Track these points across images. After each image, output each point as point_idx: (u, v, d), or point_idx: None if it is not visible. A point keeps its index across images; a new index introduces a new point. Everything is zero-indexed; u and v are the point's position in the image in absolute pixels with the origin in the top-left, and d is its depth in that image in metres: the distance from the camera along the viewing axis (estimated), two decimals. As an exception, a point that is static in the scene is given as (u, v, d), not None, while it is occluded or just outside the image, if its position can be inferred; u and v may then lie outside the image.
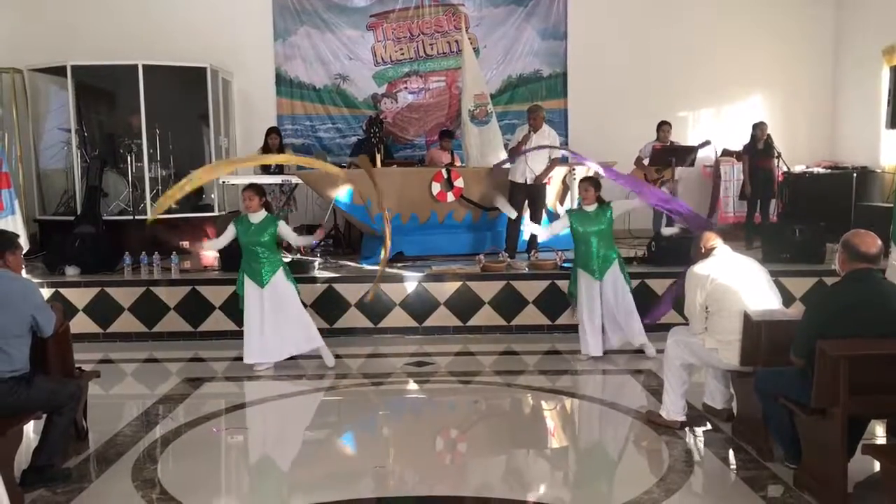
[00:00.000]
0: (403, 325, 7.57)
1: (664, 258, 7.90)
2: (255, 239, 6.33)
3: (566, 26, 11.53)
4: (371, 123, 10.39)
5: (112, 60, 10.08)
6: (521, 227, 8.33)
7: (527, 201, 8.37)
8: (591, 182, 6.59)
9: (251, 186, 6.48)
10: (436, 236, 8.96)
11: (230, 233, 6.46)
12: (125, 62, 9.95)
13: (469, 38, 10.85)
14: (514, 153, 8.36)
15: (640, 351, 6.69)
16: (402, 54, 11.62)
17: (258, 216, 6.39)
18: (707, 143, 9.61)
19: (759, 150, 9.37)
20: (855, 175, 10.27)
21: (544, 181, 8.42)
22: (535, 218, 8.37)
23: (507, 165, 8.47)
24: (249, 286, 6.37)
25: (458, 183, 8.76)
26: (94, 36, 10.67)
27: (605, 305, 6.53)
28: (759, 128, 9.37)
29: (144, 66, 9.85)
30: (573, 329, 7.34)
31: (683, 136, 10.76)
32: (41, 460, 4.16)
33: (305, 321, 6.50)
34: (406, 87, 11.69)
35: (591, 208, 6.53)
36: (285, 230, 6.50)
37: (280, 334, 6.38)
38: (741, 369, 4.58)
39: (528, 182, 8.30)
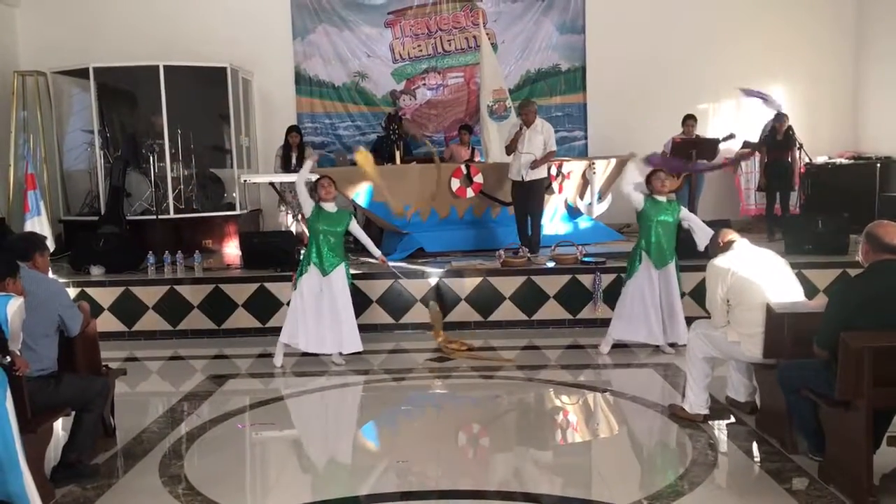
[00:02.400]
0: (425, 321, 7.59)
1: (685, 251, 7.81)
2: (332, 228, 6.40)
3: (584, 20, 11.49)
4: (390, 121, 10.43)
5: (133, 62, 10.18)
6: (541, 223, 8.32)
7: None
8: (668, 174, 6.54)
9: (328, 175, 6.57)
10: (456, 232, 8.98)
11: (309, 202, 6.47)
12: (146, 63, 10.04)
13: (487, 34, 10.86)
14: (510, 150, 8.31)
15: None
16: (420, 51, 11.63)
17: (333, 206, 6.47)
18: (731, 136, 9.54)
19: (777, 142, 9.28)
20: (878, 165, 10.16)
21: (540, 175, 8.31)
22: (533, 215, 8.34)
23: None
24: (312, 272, 6.42)
25: (478, 178, 8.77)
26: (115, 38, 10.78)
27: (661, 298, 6.46)
28: (778, 120, 9.29)
29: (165, 67, 9.93)
30: (595, 323, 7.36)
31: (704, 128, 10.68)
32: (70, 457, 4.23)
33: (353, 323, 6.55)
34: (424, 84, 11.71)
35: (663, 199, 6.48)
36: (356, 227, 6.64)
37: (325, 327, 6.44)
38: (764, 362, 4.56)
39: (525, 179, 8.24)
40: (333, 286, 6.43)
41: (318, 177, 6.63)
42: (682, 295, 6.69)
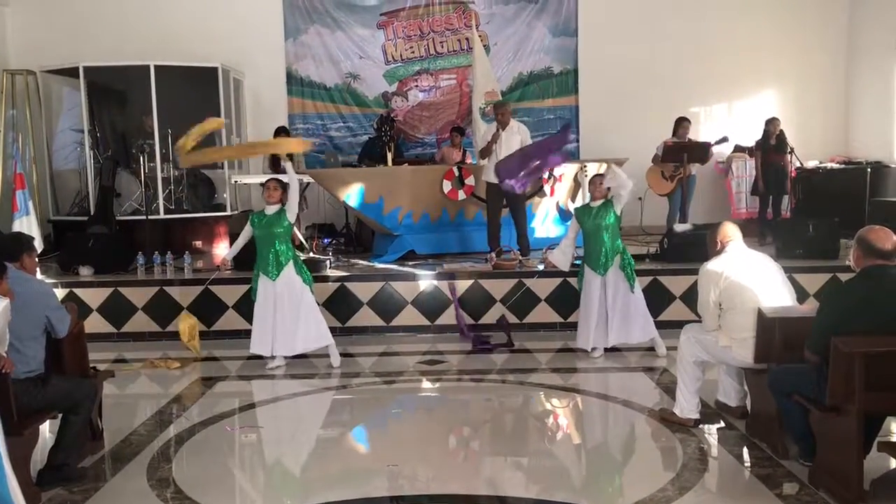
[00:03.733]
0: (415, 324, 7.57)
1: (677, 255, 7.86)
2: (270, 231, 6.37)
3: (577, 23, 11.49)
4: (382, 122, 10.41)
5: (124, 61, 10.13)
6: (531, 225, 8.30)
7: (504, 201, 8.22)
8: (602, 178, 6.57)
9: (276, 179, 6.52)
10: (447, 234, 8.96)
11: (247, 230, 6.53)
12: (137, 63, 9.98)
13: (479, 36, 10.86)
14: (485, 153, 8.20)
15: (652, 348, 6.66)
16: (413, 52, 11.61)
17: (274, 208, 6.43)
18: (724, 139, 9.58)
19: (771, 146, 9.31)
20: (869, 170, 10.18)
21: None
22: (516, 217, 8.29)
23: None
24: (262, 280, 6.42)
25: (470, 181, 8.75)
26: (106, 37, 10.72)
27: (607, 302, 6.49)
28: (771, 123, 9.32)
29: (156, 67, 9.87)
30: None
31: (696, 131, 10.69)
32: (57, 460, 4.19)
33: (316, 318, 6.52)
34: (417, 86, 11.69)
35: (597, 204, 6.52)
36: (291, 207, 6.46)
37: (290, 329, 6.40)
38: (755, 366, 4.55)
39: None
40: (288, 287, 6.39)
41: (308, 180, 6.60)
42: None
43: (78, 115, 10.25)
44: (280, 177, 8.24)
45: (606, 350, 6.63)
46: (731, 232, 4.76)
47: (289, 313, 6.40)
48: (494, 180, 8.10)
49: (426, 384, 6.26)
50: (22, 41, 10.93)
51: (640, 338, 6.55)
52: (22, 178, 8.05)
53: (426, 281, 7.63)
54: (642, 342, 6.60)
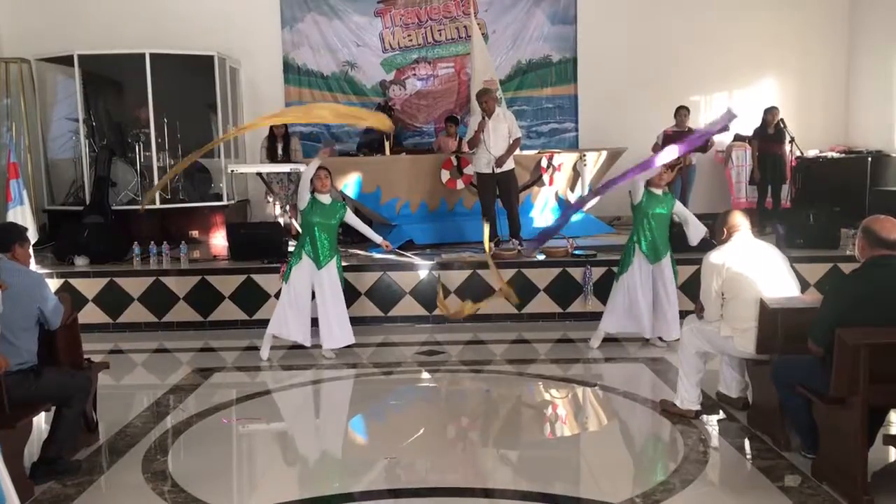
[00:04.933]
0: (414, 314, 7.52)
1: (677, 244, 7.77)
2: (327, 221, 6.33)
3: (576, 11, 11.40)
4: (380, 110, 10.33)
5: (119, 49, 10.02)
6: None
7: (497, 190, 8.13)
8: (668, 166, 6.45)
9: (325, 168, 6.45)
10: (445, 224, 8.90)
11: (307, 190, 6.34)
12: (132, 51, 9.88)
13: (478, 24, 10.76)
14: (473, 143, 8.08)
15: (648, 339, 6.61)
16: (411, 41, 11.52)
17: (328, 198, 6.39)
18: (725, 128, 9.48)
19: (768, 135, 9.26)
20: (870, 159, 10.15)
21: (504, 165, 8.00)
22: (509, 205, 8.16)
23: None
24: (305, 264, 6.35)
25: (468, 170, 8.69)
26: (100, 25, 10.62)
27: (658, 293, 6.40)
28: (769, 112, 9.27)
29: (152, 55, 9.78)
30: (585, 317, 7.32)
31: (696, 120, 10.63)
32: (51, 452, 4.14)
33: (345, 317, 6.48)
34: (415, 74, 11.60)
35: (660, 191, 6.40)
36: (352, 218, 6.55)
37: (332, 322, 6.37)
38: (757, 357, 4.51)
39: (495, 171, 8.00)
40: (325, 280, 6.36)
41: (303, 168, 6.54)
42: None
43: (73, 103, 10.16)
44: (268, 169, 8.20)
45: (605, 340, 6.58)
46: (739, 221, 4.69)
47: (322, 304, 6.37)
48: (486, 170, 8.02)
49: (424, 375, 6.22)
50: (16, 29, 10.82)
51: (677, 335, 6.42)
52: (16, 167, 7.98)
53: (424, 271, 7.57)
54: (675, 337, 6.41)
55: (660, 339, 6.55)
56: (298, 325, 6.38)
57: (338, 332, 6.42)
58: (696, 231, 6.28)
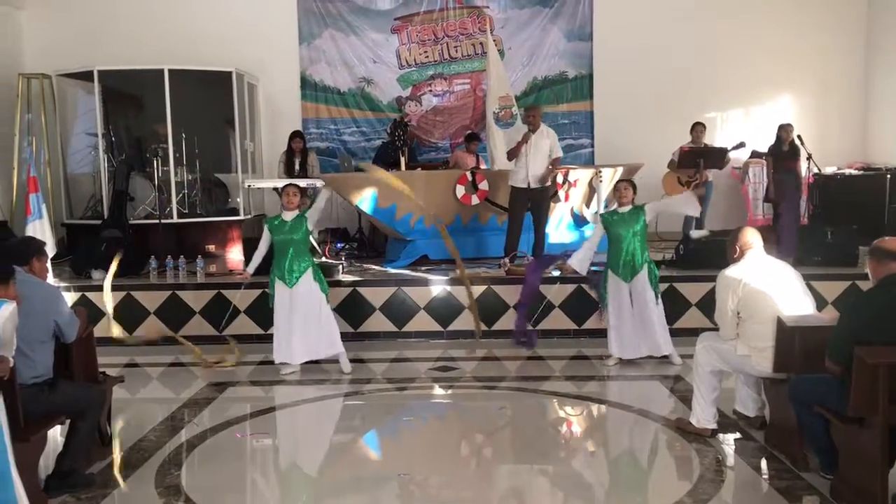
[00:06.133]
0: (428, 329, 7.51)
1: (693, 261, 7.75)
2: (289, 237, 6.34)
3: (592, 27, 11.43)
4: (395, 127, 10.37)
5: (138, 65, 10.12)
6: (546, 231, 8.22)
7: (529, 206, 8.16)
8: (630, 183, 6.49)
9: (294, 184, 6.50)
10: (460, 239, 8.87)
11: (266, 237, 6.46)
12: (151, 67, 9.98)
13: (494, 40, 10.80)
14: (513, 154, 8.11)
15: (665, 355, 6.57)
16: (427, 57, 11.57)
17: (292, 214, 6.41)
18: (741, 144, 9.48)
19: (783, 152, 9.18)
20: (888, 176, 10.04)
21: (547, 183, 8.11)
22: (538, 223, 8.20)
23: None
24: (279, 286, 6.38)
25: (483, 186, 8.69)
26: (120, 41, 10.75)
27: (634, 310, 6.42)
28: (784, 129, 9.19)
29: (171, 71, 9.87)
30: (600, 333, 7.25)
31: (712, 137, 10.61)
32: (65, 466, 4.15)
33: (330, 326, 6.47)
34: (430, 90, 11.65)
35: (626, 209, 6.43)
36: (312, 215, 6.53)
37: (305, 336, 6.37)
38: (774, 376, 4.46)
39: (531, 186, 8.04)
40: (305, 294, 6.36)
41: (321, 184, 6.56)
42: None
43: (92, 118, 10.26)
44: (297, 181, 8.23)
45: (621, 358, 6.55)
46: (751, 239, 4.66)
47: (309, 321, 6.37)
48: (522, 185, 8.06)
49: (438, 391, 6.19)
50: (37, 45, 10.98)
51: (666, 350, 6.45)
52: (35, 181, 8.03)
53: (439, 286, 7.56)
54: (667, 353, 6.48)
55: (664, 356, 6.53)
56: (298, 346, 6.38)
57: (327, 340, 6.41)
58: (686, 205, 6.53)
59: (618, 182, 6.77)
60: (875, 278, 3.85)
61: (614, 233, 6.41)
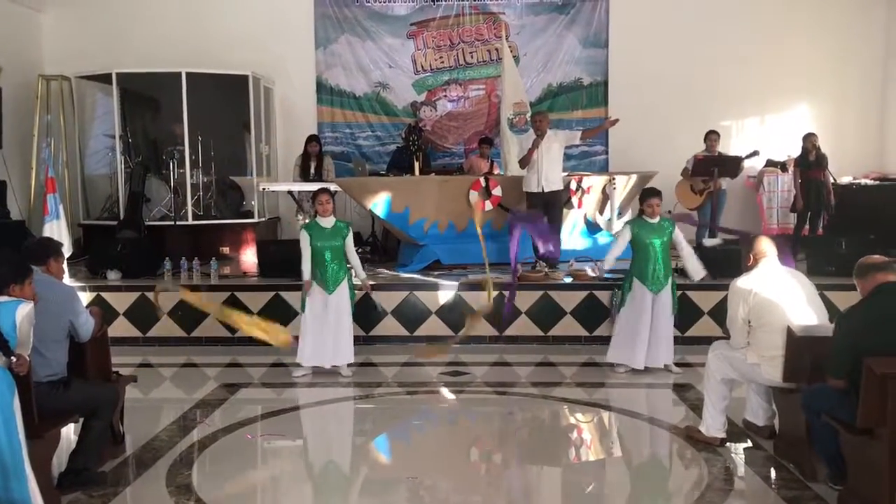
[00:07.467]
0: (439, 334, 7.52)
1: (706, 270, 7.72)
2: (329, 243, 6.36)
3: (608, 34, 11.41)
4: (410, 131, 10.41)
5: (156, 68, 10.23)
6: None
7: (545, 210, 8.11)
8: (658, 195, 6.47)
9: (326, 190, 6.52)
10: (473, 245, 8.89)
11: (306, 242, 6.39)
12: (169, 70, 10.08)
13: (509, 47, 10.81)
14: (525, 163, 8.16)
15: (677, 364, 6.56)
16: (442, 62, 11.61)
17: (330, 220, 6.44)
18: (755, 153, 9.43)
19: (811, 162, 9.08)
20: (906, 187, 9.99)
21: (553, 185, 8.18)
22: (552, 227, 8.19)
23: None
24: (316, 290, 6.39)
25: (497, 191, 8.71)
26: (139, 44, 10.84)
27: (653, 320, 6.40)
28: (808, 139, 9.07)
29: (188, 74, 9.96)
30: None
31: (727, 145, 10.57)
32: (77, 464, 4.21)
33: (349, 335, 6.53)
34: (445, 96, 11.67)
35: (655, 220, 6.42)
36: (351, 243, 6.54)
37: (333, 342, 6.41)
38: (784, 385, 4.46)
39: (544, 190, 8.14)
40: (336, 302, 6.41)
41: (335, 188, 6.58)
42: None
43: (110, 120, 10.37)
44: (327, 185, 8.28)
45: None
46: (765, 248, 4.66)
47: (336, 326, 6.41)
48: (535, 189, 8.15)
49: (449, 395, 6.21)
50: (57, 47, 11.09)
51: (668, 360, 6.48)
52: (53, 182, 8.14)
53: (450, 291, 7.58)
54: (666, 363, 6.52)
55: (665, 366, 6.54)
56: (313, 348, 6.41)
57: (344, 349, 6.46)
58: (694, 268, 6.47)
59: (650, 199, 6.46)
60: (864, 292, 3.93)
61: (642, 241, 6.37)
